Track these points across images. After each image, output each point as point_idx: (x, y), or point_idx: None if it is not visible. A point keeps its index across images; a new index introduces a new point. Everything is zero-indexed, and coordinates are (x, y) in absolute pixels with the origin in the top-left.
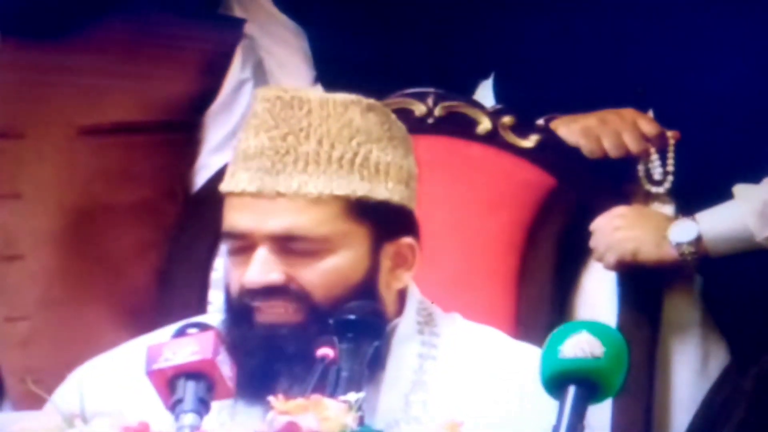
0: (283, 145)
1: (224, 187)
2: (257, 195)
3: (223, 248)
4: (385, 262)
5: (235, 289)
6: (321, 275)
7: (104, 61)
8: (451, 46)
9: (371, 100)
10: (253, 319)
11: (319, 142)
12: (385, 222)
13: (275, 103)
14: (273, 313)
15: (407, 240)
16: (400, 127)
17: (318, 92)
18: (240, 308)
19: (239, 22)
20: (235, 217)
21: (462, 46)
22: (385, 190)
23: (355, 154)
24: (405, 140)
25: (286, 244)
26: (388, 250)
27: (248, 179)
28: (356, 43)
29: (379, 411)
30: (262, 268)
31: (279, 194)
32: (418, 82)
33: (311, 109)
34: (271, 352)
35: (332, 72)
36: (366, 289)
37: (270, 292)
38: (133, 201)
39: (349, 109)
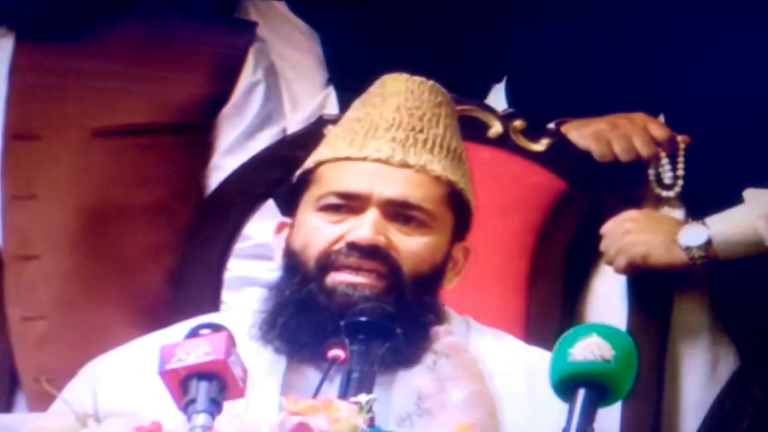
0: (420, 124)
1: (339, 153)
2: (383, 162)
3: (313, 208)
4: (450, 262)
5: (322, 246)
6: (418, 247)
7: (118, 64)
8: (463, 50)
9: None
10: (325, 279)
11: (445, 130)
12: (462, 221)
13: (420, 86)
14: (357, 274)
15: (466, 244)
16: None
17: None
18: (316, 267)
19: (251, 25)
20: (352, 178)
21: (475, 50)
22: (470, 192)
23: (462, 152)
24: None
25: (398, 211)
26: (456, 247)
27: (376, 147)
28: (369, 46)
29: (392, 405)
30: (374, 228)
31: (406, 164)
32: None
33: (442, 101)
34: (343, 312)
35: (345, 75)
36: (439, 276)
37: (371, 252)
38: (147, 202)
39: (455, 111)
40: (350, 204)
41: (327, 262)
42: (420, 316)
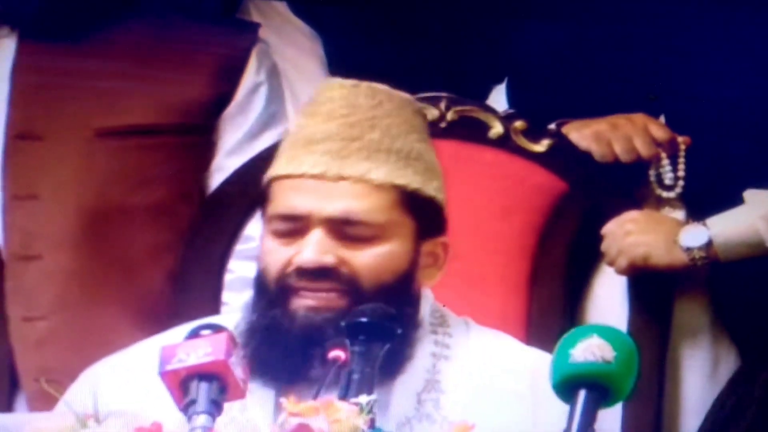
0: (352, 132)
1: (279, 171)
2: (319, 177)
3: (267, 229)
4: (422, 259)
5: (276, 270)
6: (372, 260)
7: (121, 65)
8: (464, 51)
9: (421, 104)
10: (287, 303)
11: (384, 133)
12: (428, 219)
13: (351, 91)
14: (316, 297)
15: (443, 239)
16: (428, 128)
17: (384, 86)
18: (277, 290)
19: (254, 27)
20: (293, 199)
21: (475, 51)
22: (432, 188)
23: (411, 149)
24: (432, 144)
25: (342, 228)
26: (426, 246)
27: (312, 162)
28: (370, 48)
29: (391, 408)
30: (318, 249)
31: (342, 178)
32: (433, 86)
33: (381, 101)
34: (309, 336)
35: (347, 76)
36: (407, 281)
37: (320, 273)
38: (149, 203)
39: (407, 106)
40: (295, 226)
41: (284, 286)
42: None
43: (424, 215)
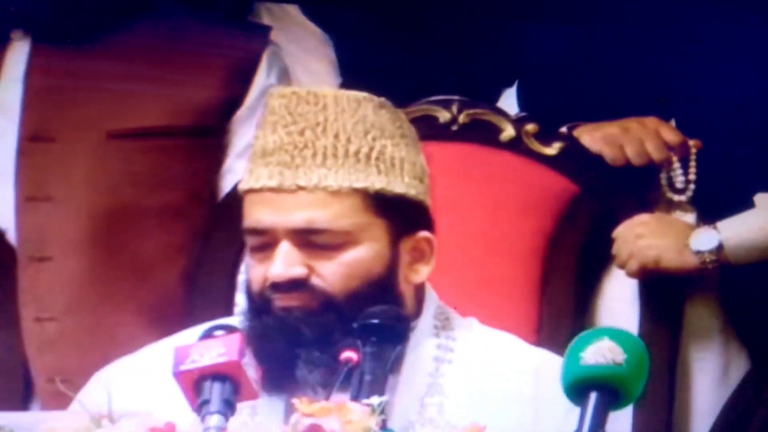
0: (301, 140)
1: (243, 185)
2: (277, 190)
3: (247, 245)
4: (404, 257)
5: (257, 284)
6: (342, 267)
7: (133, 67)
8: (475, 54)
9: (382, 99)
10: (271, 309)
11: (336, 137)
12: (402, 216)
13: (291, 98)
14: (291, 298)
15: (425, 234)
16: (410, 126)
17: (331, 88)
18: (261, 301)
19: (265, 29)
20: (257, 213)
21: (487, 54)
22: (402, 184)
23: (371, 149)
24: (415, 139)
25: (308, 238)
26: (407, 244)
27: (268, 174)
28: (382, 51)
29: (394, 413)
30: (286, 262)
31: (299, 188)
32: (444, 90)
33: (326, 104)
34: (289, 336)
35: (358, 79)
36: (386, 283)
37: (292, 285)
38: (161, 205)
39: (362, 105)
40: (264, 240)
41: (264, 298)
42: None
43: (396, 214)
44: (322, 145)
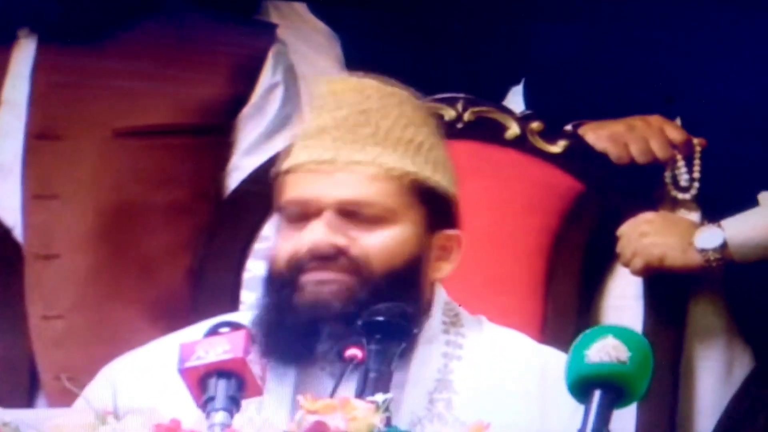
0: (362, 119)
1: (291, 162)
2: (330, 162)
3: (281, 219)
4: (434, 251)
5: (288, 254)
6: (381, 242)
7: (139, 65)
8: (482, 52)
9: (437, 104)
10: (297, 281)
11: (395, 122)
12: (438, 209)
13: (360, 82)
14: (324, 273)
15: (454, 232)
16: (440, 127)
17: (389, 82)
18: (289, 275)
19: (271, 27)
20: (302, 186)
21: (493, 52)
22: (443, 179)
23: (423, 141)
24: (444, 141)
25: (353, 210)
26: (437, 238)
27: (323, 149)
28: (388, 48)
29: (402, 409)
30: (330, 230)
31: (353, 163)
32: (451, 87)
33: (392, 93)
34: (318, 309)
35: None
36: (415, 269)
37: (331, 254)
38: (168, 202)
39: (419, 103)
40: (306, 211)
41: (295, 267)
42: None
43: (435, 205)
44: (380, 126)
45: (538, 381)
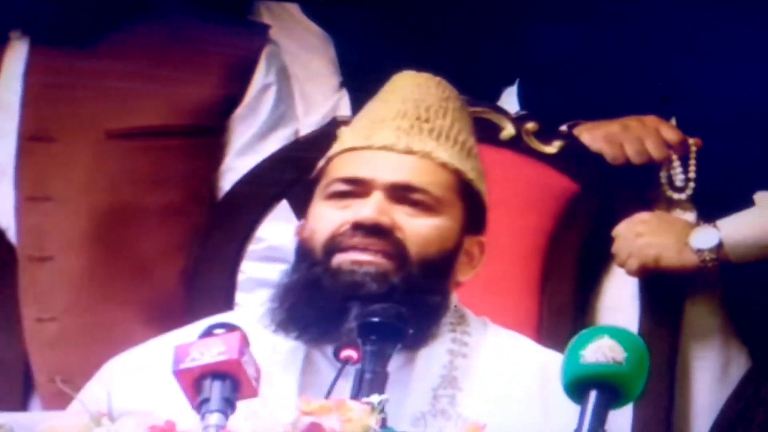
0: (425, 114)
1: (347, 144)
2: (388, 149)
3: (322, 195)
4: (463, 252)
5: (328, 231)
6: (424, 229)
7: (132, 66)
8: (476, 53)
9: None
10: (331, 260)
11: (452, 123)
12: (475, 213)
13: (426, 80)
14: (362, 253)
15: (480, 238)
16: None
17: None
18: (323, 252)
19: (264, 28)
20: (359, 165)
21: (487, 53)
22: (483, 185)
23: (472, 146)
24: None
25: (403, 194)
26: (469, 241)
27: (383, 135)
28: (382, 50)
29: (406, 404)
30: (377, 209)
31: (410, 151)
32: None
33: (450, 96)
34: (347, 288)
35: (358, 78)
36: (449, 262)
37: (375, 231)
38: (161, 203)
39: (466, 107)
40: (355, 189)
41: (333, 246)
42: (428, 298)
43: (473, 208)
44: (440, 124)
45: (539, 383)
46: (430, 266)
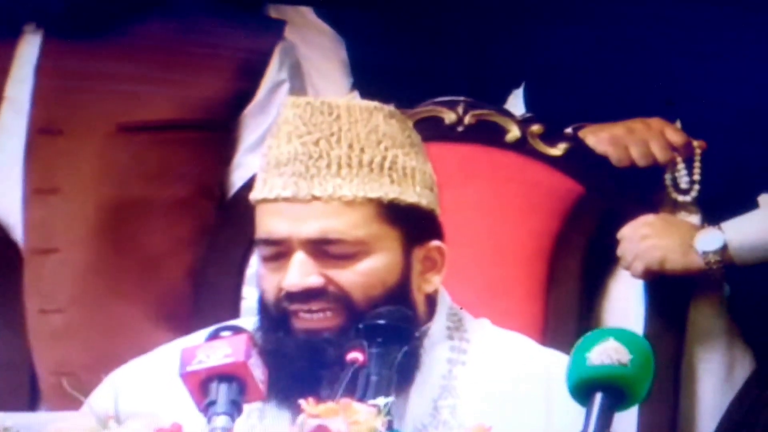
0: (316, 150)
1: (256, 195)
2: (292, 200)
3: (257, 255)
4: (416, 266)
5: (271, 294)
6: (358, 276)
7: (144, 61)
8: (484, 56)
9: (391, 107)
10: (290, 325)
11: (350, 146)
12: (414, 226)
13: (306, 109)
14: (312, 318)
15: (436, 243)
16: (417, 134)
17: (343, 99)
18: (277, 314)
19: (279, 24)
20: (271, 224)
21: (494, 55)
22: (414, 194)
23: (384, 158)
24: (422, 147)
25: (323, 248)
26: (419, 253)
27: (282, 184)
28: (393, 52)
29: (407, 416)
30: (301, 272)
31: (314, 198)
32: (453, 90)
33: (340, 115)
34: (312, 358)
35: (368, 79)
36: (400, 292)
37: (309, 295)
38: (170, 198)
39: (374, 114)
40: (279, 250)
41: (281, 311)
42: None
43: (409, 223)
44: (336, 155)
45: (542, 384)
46: (379, 305)
